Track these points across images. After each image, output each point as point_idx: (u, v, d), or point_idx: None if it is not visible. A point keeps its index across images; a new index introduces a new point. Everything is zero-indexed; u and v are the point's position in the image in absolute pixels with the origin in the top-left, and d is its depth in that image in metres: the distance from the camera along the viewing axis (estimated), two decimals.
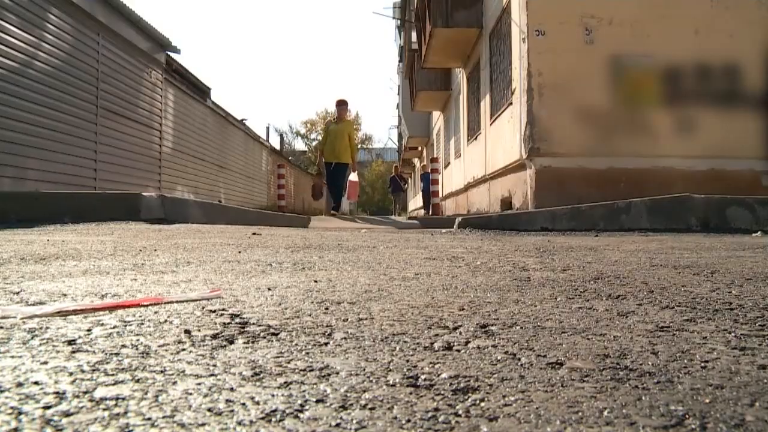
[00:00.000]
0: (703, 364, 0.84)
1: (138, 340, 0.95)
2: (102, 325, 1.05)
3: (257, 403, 0.67)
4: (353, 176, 10.68)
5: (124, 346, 0.91)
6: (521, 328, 1.08)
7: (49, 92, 7.60)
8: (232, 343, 0.94)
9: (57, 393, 0.69)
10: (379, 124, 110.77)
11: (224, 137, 15.07)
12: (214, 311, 1.19)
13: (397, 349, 0.92)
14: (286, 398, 0.69)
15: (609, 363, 0.85)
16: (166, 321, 1.09)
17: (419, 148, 28.35)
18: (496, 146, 9.30)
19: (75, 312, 1.14)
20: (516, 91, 7.72)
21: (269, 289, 1.49)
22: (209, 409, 0.65)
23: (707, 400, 0.69)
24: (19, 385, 0.71)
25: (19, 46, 7.01)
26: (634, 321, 1.14)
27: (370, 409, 0.66)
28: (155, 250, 2.47)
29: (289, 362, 0.84)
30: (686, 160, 6.98)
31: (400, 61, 29.34)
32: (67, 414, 0.62)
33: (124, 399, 0.67)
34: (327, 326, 1.07)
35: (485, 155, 10.32)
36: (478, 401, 0.69)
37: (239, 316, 1.15)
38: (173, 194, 10.37)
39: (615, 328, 1.08)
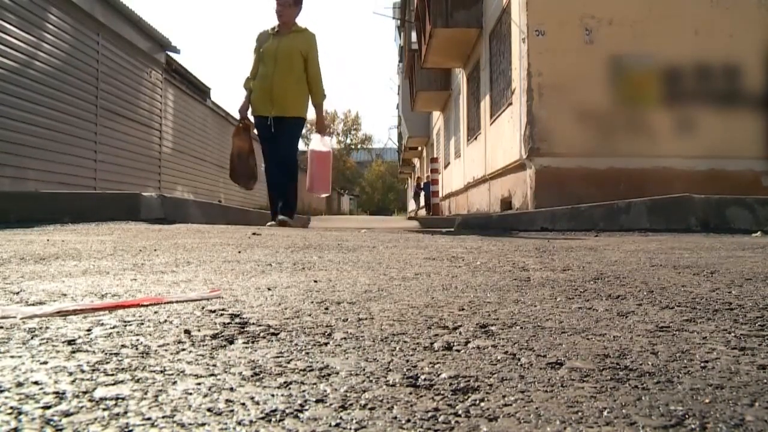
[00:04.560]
0: (702, 364, 0.84)
1: (138, 340, 0.95)
2: (102, 325, 1.05)
3: (257, 403, 0.67)
4: (318, 141, 5.57)
5: (123, 346, 0.91)
6: (521, 328, 1.08)
7: (49, 92, 7.60)
8: (231, 343, 0.94)
9: (57, 393, 0.69)
10: (379, 124, 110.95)
11: (224, 137, 15.08)
12: (214, 311, 1.18)
13: (397, 349, 0.92)
14: (285, 398, 0.69)
15: (609, 363, 0.85)
16: (165, 321, 1.09)
17: (419, 148, 28.36)
18: (496, 146, 9.30)
19: (75, 312, 1.14)
20: (516, 91, 7.72)
21: (269, 289, 1.49)
22: (209, 409, 0.65)
23: (707, 400, 0.69)
24: (19, 384, 0.71)
25: (19, 46, 7.01)
26: (634, 321, 1.14)
27: (370, 409, 0.66)
28: (155, 250, 2.47)
29: (288, 362, 0.84)
30: (686, 160, 6.98)
31: (400, 61, 29.34)
32: (66, 414, 0.62)
33: (123, 399, 0.67)
34: (327, 326, 1.07)
35: (485, 155, 10.32)
36: (478, 401, 0.69)
37: (239, 316, 1.15)
38: (173, 194, 10.37)
39: (615, 328, 1.08)
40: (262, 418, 0.62)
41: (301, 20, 5.55)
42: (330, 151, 5.77)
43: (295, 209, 5.56)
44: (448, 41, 11.68)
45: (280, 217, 5.33)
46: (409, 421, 0.62)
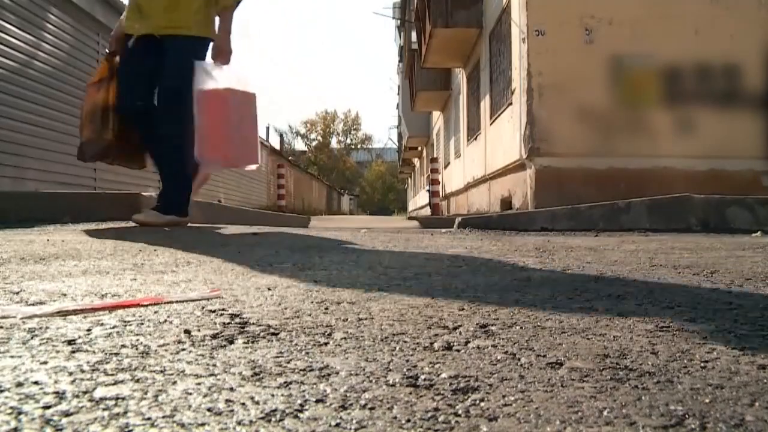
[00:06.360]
0: (702, 364, 0.84)
1: (138, 340, 0.95)
2: (102, 324, 1.05)
3: (257, 402, 0.67)
4: (212, 75, 3.24)
5: (123, 346, 0.91)
6: (521, 327, 1.08)
7: (49, 92, 7.60)
8: (231, 343, 0.94)
9: (57, 393, 0.69)
10: (379, 124, 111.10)
11: None
12: (214, 311, 1.18)
13: (397, 349, 0.92)
14: (285, 398, 0.69)
15: (609, 363, 0.85)
16: (165, 321, 1.09)
17: (419, 148, 28.35)
18: (496, 146, 9.30)
19: (75, 312, 1.14)
20: (516, 91, 7.71)
21: (269, 288, 1.49)
22: (209, 409, 0.65)
23: (707, 400, 0.69)
24: (19, 384, 0.71)
25: (19, 46, 7.00)
26: (634, 321, 1.14)
27: (370, 408, 0.66)
28: (155, 249, 2.47)
29: (288, 362, 0.84)
30: (686, 160, 6.98)
31: (400, 61, 29.33)
32: (66, 414, 0.62)
33: (123, 399, 0.67)
34: (327, 326, 1.07)
35: (485, 155, 10.32)
36: (477, 401, 0.69)
37: (239, 316, 1.15)
38: None
39: (615, 328, 1.08)
40: (262, 418, 0.62)
41: None
42: (231, 88, 3.34)
43: (179, 196, 3.40)
44: (448, 41, 11.68)
45: (135, 215, 3.42)
46: (409, 421, 0.62)
